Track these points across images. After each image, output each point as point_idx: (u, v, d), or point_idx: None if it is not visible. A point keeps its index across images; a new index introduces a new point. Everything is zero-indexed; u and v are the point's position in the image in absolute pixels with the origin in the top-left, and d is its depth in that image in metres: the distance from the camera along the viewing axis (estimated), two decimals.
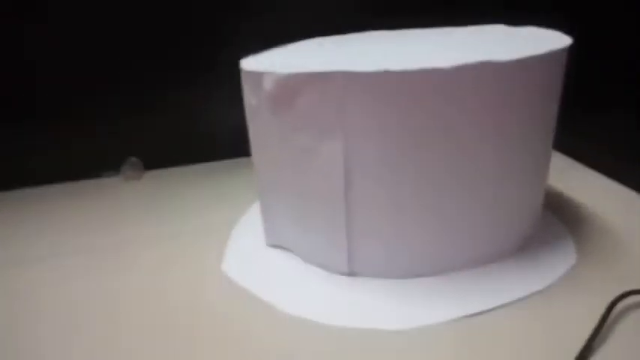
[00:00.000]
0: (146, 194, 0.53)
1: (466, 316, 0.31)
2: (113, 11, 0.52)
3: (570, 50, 0.34)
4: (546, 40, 0.34)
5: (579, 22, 0.49)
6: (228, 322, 0.32)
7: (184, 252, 0.41)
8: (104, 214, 0.49)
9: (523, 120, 0.32)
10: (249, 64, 0.35)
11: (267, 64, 0.34)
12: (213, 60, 0.56)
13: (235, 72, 0.50)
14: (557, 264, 0.35)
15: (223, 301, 0.34)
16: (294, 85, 0.31)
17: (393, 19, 0.57)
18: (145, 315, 0.33)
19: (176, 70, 0.56)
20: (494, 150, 0.32)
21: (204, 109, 0.59)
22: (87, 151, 0.57)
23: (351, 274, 0.35)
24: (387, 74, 0.29)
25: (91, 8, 0.52)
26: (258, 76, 0.33)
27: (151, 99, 0.57)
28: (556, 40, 0.34)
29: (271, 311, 0.33)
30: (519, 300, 0.32)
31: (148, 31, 0.54)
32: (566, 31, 0.38)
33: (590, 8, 0.49)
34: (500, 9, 0.57)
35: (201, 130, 0.60)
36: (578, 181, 0.48)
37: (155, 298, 0.35)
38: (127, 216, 0.48)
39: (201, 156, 0.61)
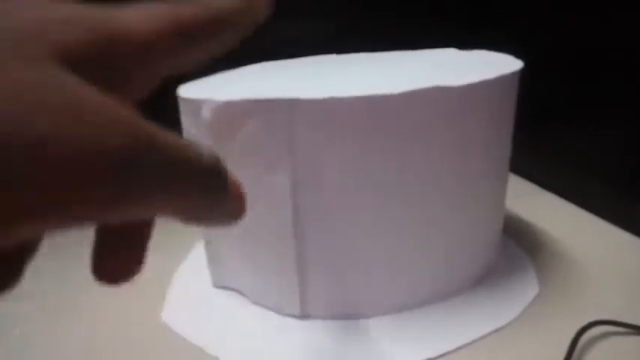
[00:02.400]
0: (80, 235, 0.48)
1: None
2: None
3: (523, 72, 0.33)
4: (497, 64, 0.34)
5: (530, 44, 0.50)
6: None
7: (120, 300, 0.37)
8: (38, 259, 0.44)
9: (477, 145, 0.31)
10: (187, 90, 0.32)
11: (206, 91, 0.31)
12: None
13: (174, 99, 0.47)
14: (518, 296, 0.33)
15: (162, 356, 0.30)
16: (236, 113, 0.29)
17: (345, 43, 0.56)
18: None
19: None
20: (450, 177, 0.30)
21: None
22: None
23: (303, 316, 0.32)
24: (334, 101, 0.27)
25: None
26: (196, 104, 0.30)
27: None
28: (507, 64, 0.34)
29: None
30: (482, 337, 0.30)
31: None
32: (517, 52, 0.38)
33: (539, 28, 0.49)
34: (451, 32, 0.57)
35: None
36: (537, 206, 0.48)
37: (87, 353, 0.31)
38: (58, 257, 0.44)
39: None
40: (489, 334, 0.30)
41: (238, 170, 0.30)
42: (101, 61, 0.13)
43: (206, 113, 0.30)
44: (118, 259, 0.15)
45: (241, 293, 0.36)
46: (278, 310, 0.33)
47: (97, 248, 0.15)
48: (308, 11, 0.55)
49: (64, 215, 0.10)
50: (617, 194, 0.42)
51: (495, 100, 0.31)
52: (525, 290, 0.34)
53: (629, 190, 0.41)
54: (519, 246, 0.40)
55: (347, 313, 0.32)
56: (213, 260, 0.36)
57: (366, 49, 0.49)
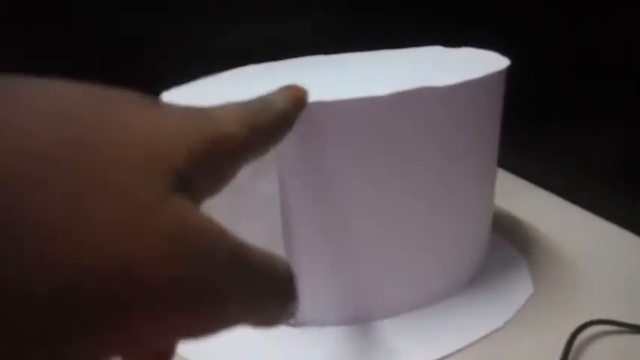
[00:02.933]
0: None
1: None
2: (29, 47, 0.48)
3: (510, 69, 0.33)
4: (483, 62, 0.33)
5: (516, 41, 0.49)
6: None
7: None
8: None
9: (464, 144, 0.31)
10: (171, 96, 0.32)
11: (190, 97, 0.31)
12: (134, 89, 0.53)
13: None
14: (513, 296, 0.33)
15: None
16: None
17: (329, 44, 0.55)
18: None
19: None
20: (439, 177, 0.30)
21: None
22: None
23: (297, 324, 0.32)
24: (319, 105, 0.26)
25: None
26: None
27: None
28: (493, 62, 0.33)
29: None
30: (479, 340, 0.30)
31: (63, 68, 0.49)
32: (503, 49, 0.38)
33: (531, 24, 0.49)
34: (436, 29, 0.57)
35: None
36: (529, 202, 0.47)
37: None
38: None
39: None
40: (486, 336, 0.30)
41: None
42: (212, 168, 0.13)
43: None
44: None
45: None
46: None
47: None
48: (291, 12, 0.54)
49: (172, 336, 0.11)
50: (609, 190, 0.42)
51: (482, 99, 0.31)
52: (519, 290, 0.34)
53: (622, 186, 0.41)
54: (512, 244, 0.40)
55: (341, 319, 0.32)
56: None
57: (350, 49, 0.49)
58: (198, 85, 0.35)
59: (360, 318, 0.32)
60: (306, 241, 0.30)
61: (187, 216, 0.11)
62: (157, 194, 0.11)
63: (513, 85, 0.37)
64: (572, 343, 0.27)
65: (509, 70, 0.33)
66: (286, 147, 0.27)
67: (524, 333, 0.30)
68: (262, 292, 0.13)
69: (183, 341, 0.11)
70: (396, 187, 0.29)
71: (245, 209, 0.30)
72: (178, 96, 0.32)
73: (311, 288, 0.31)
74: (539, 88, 0.48)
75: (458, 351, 0.29)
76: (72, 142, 0.10)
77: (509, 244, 0.40)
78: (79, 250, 0.09)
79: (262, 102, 0.17)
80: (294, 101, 0.20)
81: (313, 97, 0.27)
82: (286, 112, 0.18)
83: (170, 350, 0.15)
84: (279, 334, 0.31)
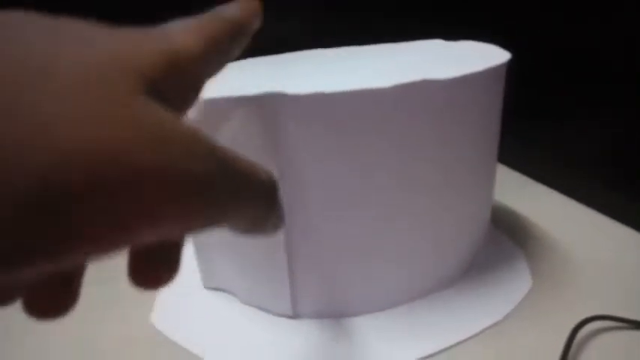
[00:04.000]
0: None
1: (423, 358, 0.28)
2: None
3: (511, 63, 0.33)
4: (484, 56, 0.33)
5: (518, 36, 0.49)
6: None
7: (109, 303, 0.36)
8: None
9: (465, 137, 0.31)
10: None
11: None
12: None
13: None
14: (512, 290, 0.33)
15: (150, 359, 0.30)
16: (220, 111, 0.28)
17: (331, 41, 0.55)
18: None
19: None
20: (439, 169, 0.30)
21: None
22: None
23: (295, 315, 0.32)
24: (321, 96, 0.26)
25: None
26: None
27: None
28: (494, 55, 0.33)
29: None
30: (478, 333, 0.30)
31: None
32: (507, 43, 0.37)
33: (526, 20, 0.49)
34: (436, 27, 0.57)
35: None
36: (529, 198, 0.47)
37: (75, 357, 0.30)
38: None
39: None
40: (485, 329, 0.30)
41: None
42: (175, 80, 0.14)
43: (192, 111, 0.29)
44: (158, 267, 0.15)
45: (233, 294, 0.35)
46: (270, 311, 0.33)
47: (136, 259, 0.15)
48: (290, 10, 0.54)
49: (159, 227, 0.11)
50: (609, 186, 0.42)
51: (483, 92, 0.30)
52: (518, 284, 0.34)
53: (622, 182, 0.41)
54: (511, 239, 0.40)
55: (339, 311, 0.32)
56: (203, 261, 0.35)
57: (349, 44, 0.49)
58: None
59: (358, 311, 0.32)
60: (305, 232, 0.30)
61: (162, 114, 0.12)
62: (127, 93, 0.11)
63: (514, 81, 0.37)
64: (574, 339, 0.27)
65: (510, 66, 0.33)
66: (287, 138, 0.27)
67: (524, 328, 0.30)
68: (246, 191, 0.14)
69: (172, 236, 0.12)
70: (395, 179, 0.29)
71: None
72: None
73: (309, 279, 0.31)
74: (540, 84, 0.48)
75: (456, 344, 0.29)
76: (38, 56, 0.11)
77: (508, 239, 0.40)
78: (66, 136, 0.10)
79: (215, 14, 0.18)
80: (247, 11, 0.20)
81: (314, 89, 0.27)
82: (240, 21, 0.18)
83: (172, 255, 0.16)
84: (278, 325, 0.31)
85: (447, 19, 0.57)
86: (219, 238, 0.33)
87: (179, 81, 0.14)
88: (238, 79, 0.33)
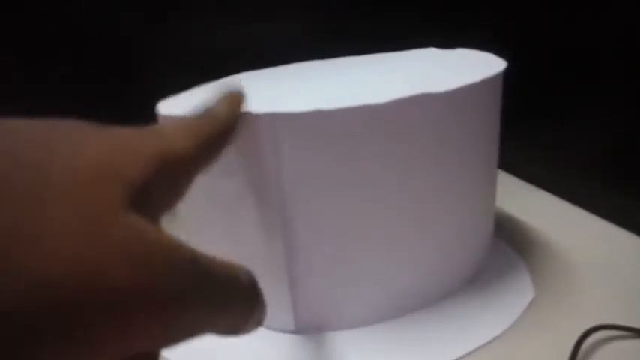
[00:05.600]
0: None
1: None
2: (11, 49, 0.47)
3: (507, 70, 0.33)
4: (479, 64, 0.33)
5: (519, 39, 0.49)
6: None
7: None
8: None
9: (465, 147, 0.30)
10: (167, 107, 0.31)
11: (187, 106, 0.30)
12: (126, 100, 0.52)
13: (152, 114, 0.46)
14: (514, 301, 0.33)
15: None
16: None
17: (323, 44, 0.55)
18: None
19: (96, 113, 0.51)
20: (440, 179, 0.30)
21: None
22: None
23: (297, 330, 0.32)
24: (319, 113, 0.26)
25: None
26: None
27: None
28: (489, 64, 0.33)
29: None
30: (479, 347, 0.29)
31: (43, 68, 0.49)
32: (504, 48, 0.37)
33: (523, 23, 0.49)
34: (429, 29, 0.57)
35: None
36: (530, 204, 0.47)
37: None
38: None
39: None
40: (487, 343, 0.30)
41: (224, 187, 0.30)
42: (165, 182, 0.14)
43: None
44: None
45: None
46: (272, 326, 0.33)
47: None
48: (281, 13, 0.54)
49: (133, 342, 0.11)
50: (612, 192, 0.42)
51: (481, 102, 0.30)
52: (520, 295, 0.33)
53: (625, 188, 0.40)
54: (512, 247, 0.40)
55: (342, 324, 0.32)
56: None
57: (342, 50, 0.49)
58: (195, 93, 0.35)
59: (360, 322, 0.32)
60: (307, 247, 0.29)
61: (144, 229, 0.12)
62: (111, 208, 0.11)
63: (512, 86, 0.36)
64: (579, 349, 0.27)
65: (506, 70, 0.33)
66: (284, 156, 0.27)
67: (526, 340, 0.29)
68: (226, 299, 0.14)
69: (152, 349, 0.12)
70: (395, 193, 0.29)
71: (243, 219, 0.30)
72: (174, 105, 0.32)
73: (312, 292, 0.31)
74: (538, 87, 0.48)
75: (459, 358, 0.29)
76: (23, 169, 0.11)
77: (510, 247, 0.39)
78: (40, 259, 0.10)
79: (206, 114, 0.18)
80: (235, 108, 0.21)
81: (310, 105, 0.26)
82: (229, 120, 0.19)
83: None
84: (279, 341, 0.31)
85: (446, 21, 0.57)
86: (217, 251, 0.33)
87: (169, 182, 0.14)
88: None
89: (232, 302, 0.14)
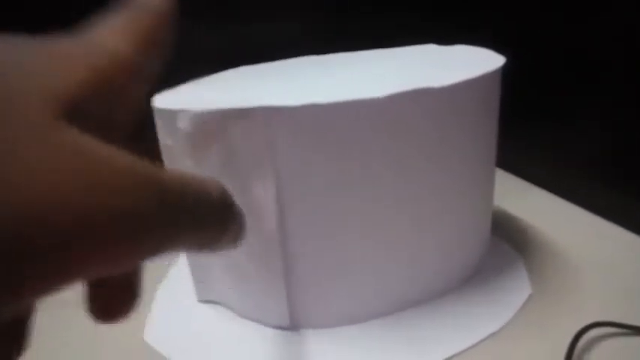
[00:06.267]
0: None
1: None
2: None
3: (506, 66, 0.32)
4: (478, 61, 0.33)
5: (518, 37, 0.49)
6: None
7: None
8: None
9: (462, 143, 0.30)
10: (163, 100, 0.31)
11: (182, 100, 0.30)
12: None
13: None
14: (511, 298, 0.33)
15: None
16: (214, 123, 0.28)
17: (322, 43, 0.55)
18: None
19: None
20: (437, 176, 0.30)
21: None
22: None
23: (293, 327, 0.32)
24: (315, 108, 0.26)
25: None
26: (172, 114, 0.29)
27: None
28: (488, 60, 0.33)
29: None
30: (476, 343, 0.29)
31: None
32: (503, 45, 0.37)
33: (522, 22, 0.49)
34: (429, 27, 0.57)
35: None
36: (527, 202, 0.46)
37: None
38: None
39: None
40: (484, 339, 0.29)
41: (220, 180, 0.29)
42: (102, 98, 0.12)
43: (182, 124, 0.29)
44: (116, 298, 0.14)
45: (228, 307, 0.34)
46: (267, 323, 0.32)
47: (92, 291, 0.14)
48: (281, 12, 0.54)
49: (93, 269, 0.11)
50: (609, 189, 0.42)
51: (479, 98, 0.30)
52: (517, 291, 0.33)
53: (622, 186, 0.40)
54: (509, 245, 0.39)
55: (338, 321, 0.31)
56: (197, 274, 0.35)
57: (341, 49, 0.48)
58: (191, 87, 0.35)
59: (356, 318, 0.31)
60: (302, 242, 0.29)
61: (85, 140, 0.11)
62: (43, 121, 0.10)
63: (510, 84, 0.36)
64: (575, 346, 0.27)
65: (505, 69, 0.33)
66: (280, 149, 0.27)
67: (523, 336, 0.29)
68: (196, 217, 0.13)
69: (117, 271, 0.11)
70: (392, 188, 0.29)
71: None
72: (170, 99, 0.31)
73: (307, 289, 0.30)
74: (537, 86, 0.48)
75: (456, 354, 0.29)
76: None
77: (507, 244, 0.39)
78: None
79: (139, 5, 0.15)
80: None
81: (308, 99, 0.26)
82: (163, 6, 0.16)
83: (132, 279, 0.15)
84: (275, 337, 0.31)
85: (445, 20, 0.57)
86: None
87: (112, 95, 0.13)
88: (229, 90, 0.32)
89: (204, 219, 0.14)
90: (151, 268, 0.42)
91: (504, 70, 0.33)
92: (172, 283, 0.39)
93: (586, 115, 0.43)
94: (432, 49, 0.41)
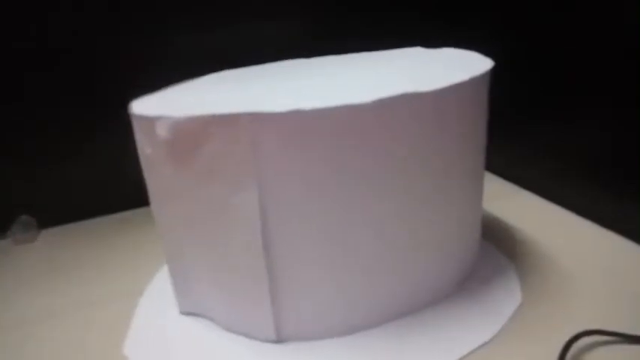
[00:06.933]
0: (39, 260, 0.45)
1: None
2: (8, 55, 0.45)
3: (497, 71, 0.32)
4: (466, 63, 0.32)
5: (503, 41, 0.49)
6: None
7: (82, 330, 0.34)
8: None
9: (451, 147, 0.30)
10: (141, 106, 0.30)
11: (161, 106, 0.29)
12: (108, 95, 0.50)
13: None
14: (501, 306, 0.32)
15: None
16: (195, 130, 0.27)
17: (309, 44, 0.54)
18: None
19: (71, 111, 0.49)
20: (426, 181, 0.29)
21: (106, 155, 0.52)
22: None
23: (279, 340, 0.31)
24: (300, 113, 0.25)
25: None
26: (150, 121, 0.28)
27: (44, 145, 0.49)
28: (476, 63, 0.32)
29: None
30: (467, 354, 0.28)
31: (41, 69, 0.47)
32: (490, 49, 0.37)
33: (512, 23, 0.49)
34: (419, 27, 0.56)
35: (102, 178, 0.53)
36: (517, 206, 0.46)
37: None
38: (16, 287, 0.40)
39: (106, 207, 0.54)
40: (475, 350, 0.29)
41: (200, 190, 0.28)
42: None
43: (162, 131, 0.28)
44: None
45: (211, 319, 0.33)
46: (252, 336, 0.31)
47: None
48: (272, 12, 0.53)
49: None
50: (598, 193, 0.42)
51: (468, 101, 0.30)
52: (508, 300, 0.33)
53: (611, 189, 0.40)
54: (500, 250, 0.39)
55: (325, 332, 0.30)
56: (179, 284, 0.34)
57: (333, 49, 0.48)
58: (171, 93, 0.34)
59: (343, 330, 0.31)
60: (287, 252, 0.28)
61: None
62: None
63: (502, 88, 0.36)
64: (566, 355, 0.27)
65: (496, 73, 0.32)
66: (264, 158, 0.26)
67: (514, 346, 0.29)
68: None
69: None
70: (380, 195, 0.28)
71: (222, 224, 0.28)
72: (149, 105, 0.30)
73: (293, 301, 0.29)
74: (524, 90, 0.48)
75: None
76: None
77: (498, 250, 0.39)
78: None
79: None
80: None
81: (295, 104, 0.25)
82: None
83: None
84: (261, 351, 0.30)
85: (448, 21, 0.56)
86: (196, 260, 0.31)
87: None
88: (212, 95, 0.31)
89: None
90: (133, 274, 0.41)
91: (493, 73, 0.32)
92: (154, 292, 0.38)
93: (577, 119, 0.43)
94: (419, 51, 0.40)
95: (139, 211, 0.54)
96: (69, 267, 0.43)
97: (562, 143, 0.45)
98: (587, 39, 0.40)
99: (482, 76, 0.30)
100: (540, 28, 0.44)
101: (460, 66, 0.32)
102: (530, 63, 0.46)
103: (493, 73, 0.32)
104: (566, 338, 0.28)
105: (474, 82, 0.29)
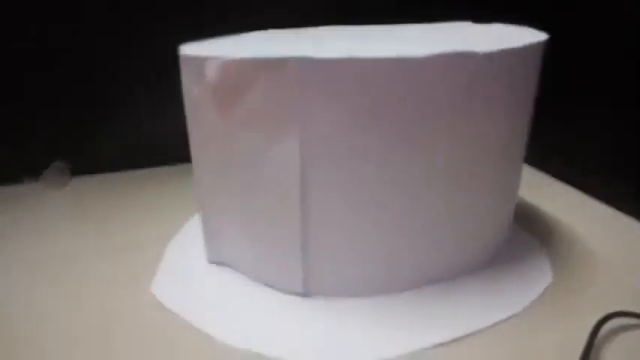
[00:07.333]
0: (70, 204, 0.46)
1: (433, 346, 0.27)
2: (42, 10, 0.46)
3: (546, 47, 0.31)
4: (519, 36, 0.32)
5: (542, 26, 0.48)
6: (153, 358, 0.26)
7: (109, 271, 0.35)
8: (21, 226, 0.42)
9: (498, 120, 0.29)
10: (190, 49, 0.30)
11: (210, 51, 0.29)
12: (150, 53, 0.50)
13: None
14: (532, 282, 0.32)
15: (150, 331, 0.28)
16: (243, 73, 0.27)
17: (353, 19, 0.54)
18: (60, 340, 0.27)
19: (107, 64, 0.50)
20: (467, 153, 0.28)
21: (145, 109, 0.53)
22: (4, 153, 0.50)
23: (306, 294, 0.31)
24: (351, 61, 0.25)
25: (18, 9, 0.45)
26: (200, 61, 0.28)
27: (80, 96, 0.50)
28: (529, 36, 0.32)
29: (209, 343, 0.27)
30: (497, 323, 0.28)
31: (73, 26, 0.47)
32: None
33: (553, 13, 0.48)
34: (462, 9, 0.55)
35: (137, 131, 0.53)
36: (551, 196, 0.46)
37: (71, 327, 0.29)
38: (45, 229, 0.41)
39: (138, 161, 0.55)
40: (503, 320, 0.28)
41: (242, 135, 0.28)
42: None
43: (210, 72, 0.28)
44: None
45: (238, 270, 0.34)
46: (278, 288, 0.31)
47: None
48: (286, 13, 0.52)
49: None
50: (631, 186, 0.41)
51: (520, 70, 0.29)
52: (539, 277, 0.32)
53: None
54: (532, 235, 0.38)
55: (353, 291, 0.30)
56: (210, 233, 0.34)
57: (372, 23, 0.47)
58: (218, 42, 0.34)
59: (370, 290, 0.30)
60: (323, 206, 0.28)
61: None
62: None
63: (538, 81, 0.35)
64: (596, 335, 0.26)
65: (546, 49, 0.31)
66: (310, 106, 0.26)
67: (544, 322, 0.28)
68: None
69: None
70: (420, 155, 0.27)
71: (261, 171, 0.28)
72: (198, 48, 0.30)
73: (323, 256, 0.29)
74: (564, 82, 0.47)
75: (475, 332, 0.28)
76: None
77: (531, 236, 0.38)
78: None
79: None
80: None
81: (341, 54, 0.25)
82: None
83: None
84: (286, 303, 0.30)
85: (469, 6, 0.55)
86: (229, 209, 0.32)
87: None
88: (257, 46, 0.31)
89: None
90: (162, 221, 0.41)
91: (545, 51, 0.31)
92: (183, 240, 0.38)
93: (611, 113, 0.42)
94: (468, 25, 0.40)
95: (175, 168, 0.55)
96: (97, 214, 0.44)
97: (562, 143, 0.44)
98: (587, 39, 0.39)
99: (537, 46, 0.30)
100: (540, 28, 0.43)
101: (512, 38, 0.31)
102: (572, 55, 0.45)
103: (545, 50, 0.31)
104: (596, 319, 0.28)
105: (529, 49, 0.29)
